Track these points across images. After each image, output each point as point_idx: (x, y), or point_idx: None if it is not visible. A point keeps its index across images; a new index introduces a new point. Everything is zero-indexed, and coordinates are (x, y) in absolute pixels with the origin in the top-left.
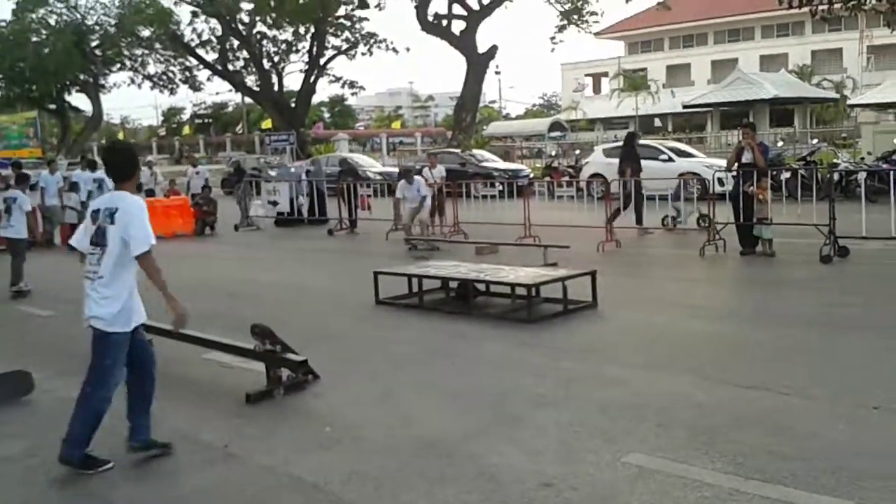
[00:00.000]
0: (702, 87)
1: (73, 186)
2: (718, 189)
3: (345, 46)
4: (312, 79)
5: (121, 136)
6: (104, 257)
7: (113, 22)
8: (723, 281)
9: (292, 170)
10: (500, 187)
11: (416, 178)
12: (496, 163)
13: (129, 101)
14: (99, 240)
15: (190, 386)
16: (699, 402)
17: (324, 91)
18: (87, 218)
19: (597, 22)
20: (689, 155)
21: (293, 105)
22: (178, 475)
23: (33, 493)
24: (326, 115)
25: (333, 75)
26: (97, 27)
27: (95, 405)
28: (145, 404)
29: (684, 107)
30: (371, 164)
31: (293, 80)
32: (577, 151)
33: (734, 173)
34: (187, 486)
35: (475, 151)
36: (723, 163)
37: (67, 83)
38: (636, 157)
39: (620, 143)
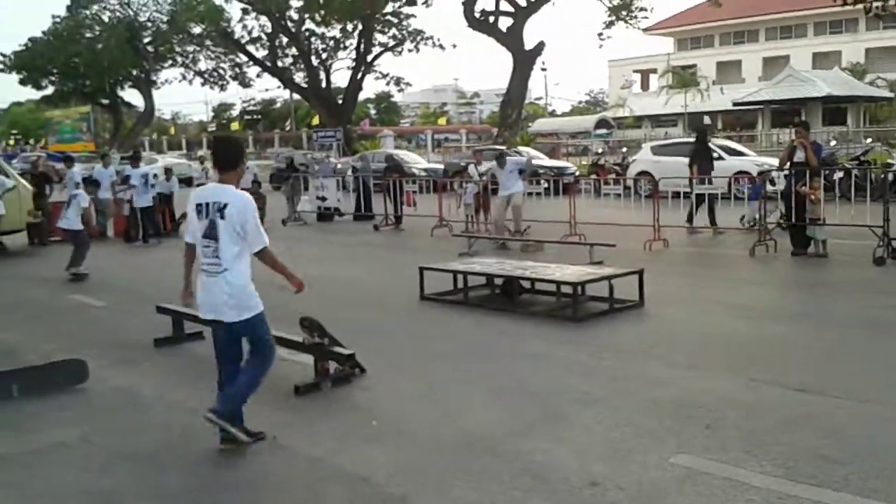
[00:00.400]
0: (753, 85)
1: (126, 180)
2: (770, 188)
3: (392, 43)
4: (359, 75)
5: (172, 131)
6: (221, 251)
7: (165, 19)
8: (773, 282)
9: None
10: (546, 185)
11: (511, 158)
12: (541, 160)
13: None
14: (211, 233)
15: None
16: (747, 403)
17: (370, 88)
18: (192, 212)
19: (646, 18)
20: (740, 153)
21: (340, 101)
22: (227, 465)
23: (87, 478)
24: (372, 111)
25: (380, 72)
26: (149, 24)
27: (258, 380)
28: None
29: (735, 104)
30: (416, 161)
31: (341, 77)
32: (624, 149)
33: (786, 172)
34: (237, 475)
35: (520, 148)
36: (774, 162)
37: (120, 79)
38: (709, 155)
39: (669, 141)
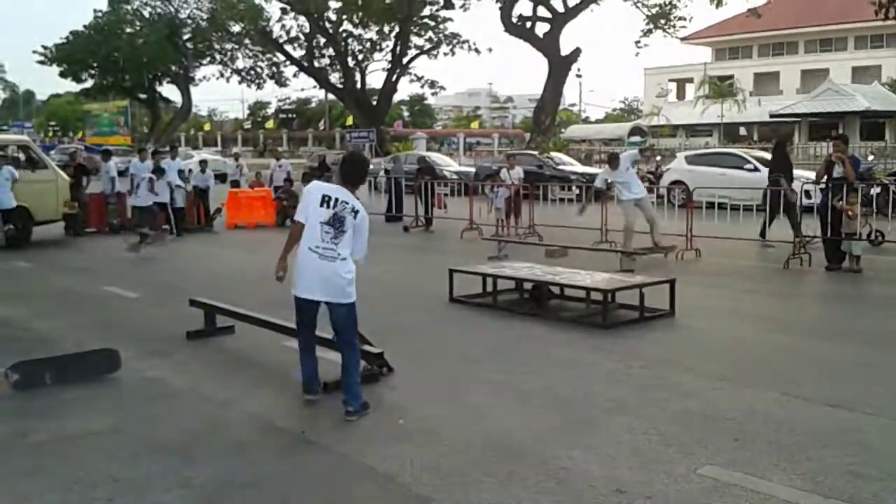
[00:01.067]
0: (790, 97)
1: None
2: (805, 202)
3: (428, 46)
4: (395, 77)
5: (207, 127)
6: (342, 242)
7: (205, 16)
8: (806, 295)
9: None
10: (577, 191)
11: (623, 154)
12: (574, 166)
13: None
14: (337, 224)
15: (268, 372)
16: (778, 417)
17: (405, 90)
18: (314, 199)
19: (684, 27)
20: None
21: (374, 103)
22: (256, 459)
23: (117, 467)
24: (406, 113)
25: (415, 74)
26: (189, 21)
27: (357, 361)
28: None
29: (772, 116)
30: (448, 164)
31: (376, 79)
32: (658, 157)
33: (822, 186)
34: (265, 470)
35: (553, 154)
36: (810, 175)
37: (159, 74)
38: (788, 165)
39: (703, 151)
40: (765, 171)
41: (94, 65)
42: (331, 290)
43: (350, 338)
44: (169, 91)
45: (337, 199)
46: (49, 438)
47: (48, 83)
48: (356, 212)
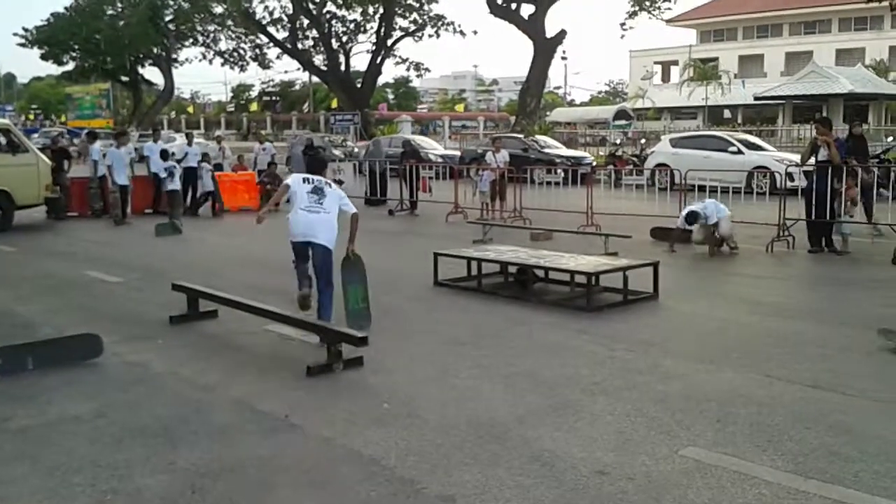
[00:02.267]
0: (775, 80)
1: (144, 158)
2: (789, 184)
3: (412, 28)
4: (379, 60)
5: (191, 110)
6: (325, 203)
7: None
8: (789, 278)
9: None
10: (563, 174)
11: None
12: (559, 149)
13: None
14: (318, 192)
15: (251, 356)
16: (759, 399)
17: (389, 72)
18: (298, 181)
19: (669, 9)
20: (760, 148)
21: (359, 85)
22: (239, 443)
23: (100, 451)
24: (391, 96)
25: (399, 57)
26: (171, 2)
27: (331, 293)
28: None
29: (756, 99)
30: (433, 147)
31: (360, 61)
32: (643, 140)
33: (807, 169)
34: (248, 453)
35: (538, 137)
36: (794, 157)
37: (141, 56)
38: (864, 148)
39: (688, 134)
40: (749, 153)
41: (76, 47)
42: (316, 233)
43: (329, 278)
44: (151, 74)
45: (313, 179)
46: (31, 424)
47: (29, 66)
48: (329, 184)
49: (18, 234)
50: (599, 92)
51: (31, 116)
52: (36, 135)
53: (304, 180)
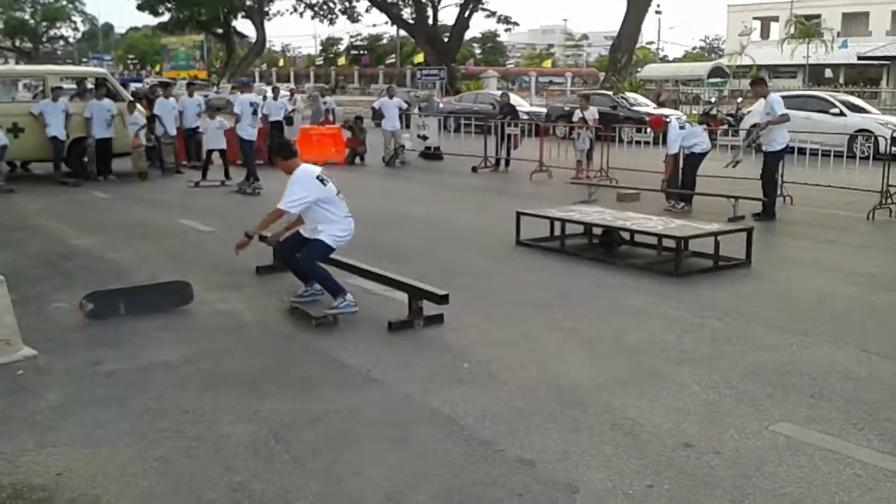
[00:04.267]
0: (880, 39)
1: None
2: (893, 149)
3: None
4: (467, 13)
5: (281, 63)
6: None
7: None
8: (892, 248)
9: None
10: (653, 134)
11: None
12: (649, 107)
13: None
14: (340, 192)
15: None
16: (857, 375)
17: (477, 27)
18: (315, 184)
19: None
20: (862, 110)
21: (446, 40)
22: (322, 394)
23: (187, 398)
24: (478, 51)
25: (488, 10)
26: None
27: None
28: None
29: (859, 58)
30: (520, 104)
31: (448, 15)
32: (739, 99)
33: None
34: (330, 406)
35: (628, 94)
36: None
37: (234, 9)
38: None
39: (787, 94)
40: (851, 115)
41: None
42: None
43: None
44: (244, 26)
45: (325, 176)
46: (121, 368)
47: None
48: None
49: (114, 183)
50: (694, 48)
51: (130, 67)
52: (139, 84)
53: (320, 181)
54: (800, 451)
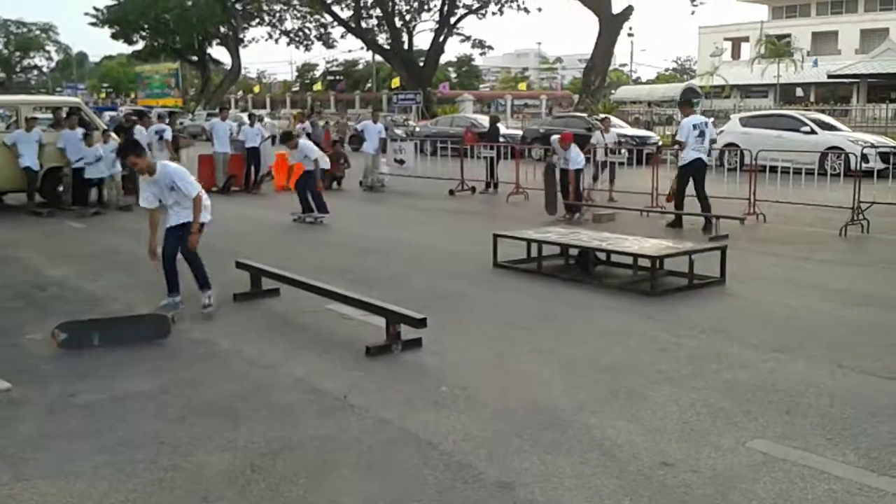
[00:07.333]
0: (849, 57)
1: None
2: (864, 166)
3: (476, 5)
4: (442, 38)
5: (257, 89)
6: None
7: None
8: (864, 264)
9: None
10: (627, 154)
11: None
12: (623, 128)
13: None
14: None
15: (312, 335)
16: (831, 390)
17: (452, 51)
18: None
19: None
20: (833, 128)
21: (421, 64)
22: (299, 422)
23: (163, 428)
24: (453, 75)
25: (463, 34)
26: None
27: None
28: None
29: (829, 77)
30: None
31: (423, 40)
32: (711, 119)
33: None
34: (308, 433)
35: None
36: (869, 138)
37: (209, 36)
38: None
39: (758, 113)
40: (822, 133)
41: (145, 27)
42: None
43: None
44: (219, 53)
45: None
46: (96, 399)
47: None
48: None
49: (87, 213)
50: (667, 69)
51: (103, 95)
52: (114, 112)
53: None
54: (776, 467)
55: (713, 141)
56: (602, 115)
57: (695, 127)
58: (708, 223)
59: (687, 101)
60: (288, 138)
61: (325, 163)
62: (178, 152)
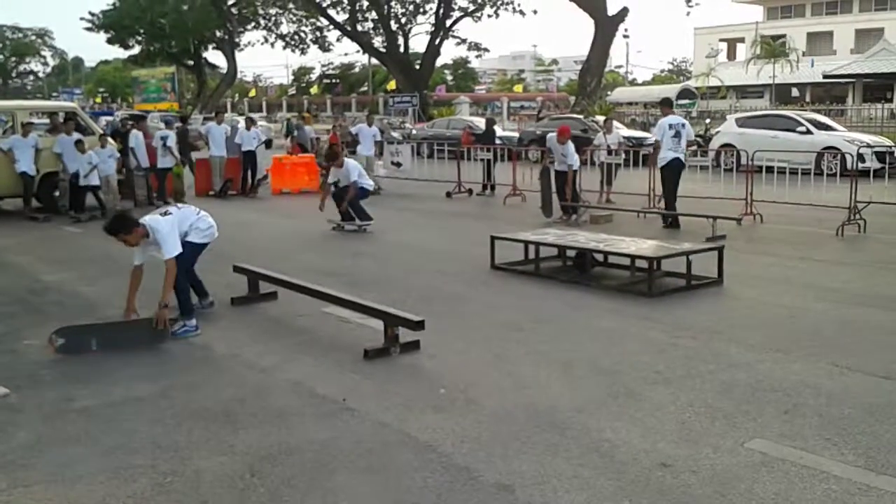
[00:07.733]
0: (844, 57)
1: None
2: (860, 166)
3: (472, 8)
4: (437, 41)
5: (252, 93)
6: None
7: None
8: (861, 263)
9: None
10: (624, 155)
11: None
12: (619, 129)
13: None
14: None
15: (310, 339)
16: (829, 390)
17: (448, 53)
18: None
19: None
20: (829, 128)
21: (417, 67)
22: (297, 426)
23: (161, 432)
24: (449, 77)
25: (459, 37)
26: None
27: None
28: None
29: (825, 77)
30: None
31: (419, 42)
32: (708, 120)
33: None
34: (306, 437)
35: (598, 118)
36: (865, 137)
37: (204, 40)
38: None
39: (754, 113)
40: (818, 133)
41: (141, 31)
42: None
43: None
44: (214, 57)
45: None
46: (93, 404)
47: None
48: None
49: (84, 217)
50: (662, 71)
51: (99, 99)
52: (111, 117)
53: (165, 214)
54: (775, 467)
55: (690, 143)
56: (604, 117)
57: (671, 127)
58: (675, 221)
59: (667, 101)
60: (333, 157)
61: (368, 183)
62: (190, 155)
